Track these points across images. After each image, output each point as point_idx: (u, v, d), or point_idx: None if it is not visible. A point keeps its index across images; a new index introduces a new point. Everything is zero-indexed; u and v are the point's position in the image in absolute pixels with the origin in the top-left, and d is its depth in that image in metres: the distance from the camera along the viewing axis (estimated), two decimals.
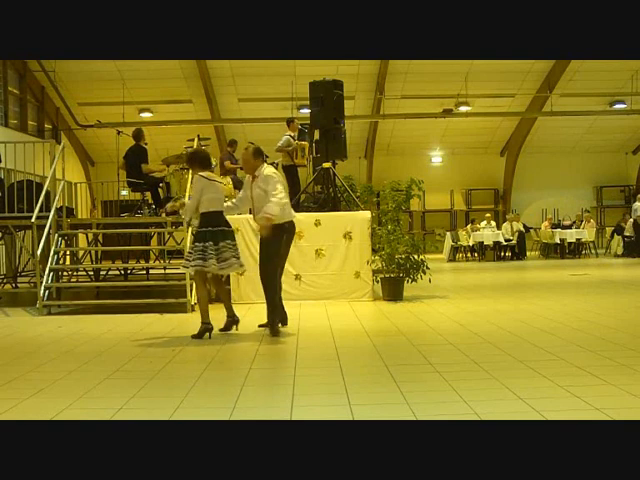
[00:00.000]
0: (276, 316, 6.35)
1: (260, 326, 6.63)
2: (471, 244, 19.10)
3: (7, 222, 9.45)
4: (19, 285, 10.87)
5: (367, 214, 9.15)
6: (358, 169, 21.13)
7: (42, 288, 8.51)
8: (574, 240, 19.12)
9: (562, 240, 18.95)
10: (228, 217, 6.46)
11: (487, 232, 18.83)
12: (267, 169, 6.36)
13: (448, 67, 18.35)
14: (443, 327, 6.54)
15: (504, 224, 19.60)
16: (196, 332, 6.14)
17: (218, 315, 6.48)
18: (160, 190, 10.56)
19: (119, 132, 12.15)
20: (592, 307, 7.85)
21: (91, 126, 19.65)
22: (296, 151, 11.25)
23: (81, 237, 12.28)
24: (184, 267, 6.35)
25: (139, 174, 10.23)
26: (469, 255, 19.67)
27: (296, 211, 6.50)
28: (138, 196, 11.03)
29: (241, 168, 11.95)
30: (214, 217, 6.15)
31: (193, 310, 7.96)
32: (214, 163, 9.17)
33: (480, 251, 18.87)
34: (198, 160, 6.39)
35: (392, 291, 8.94)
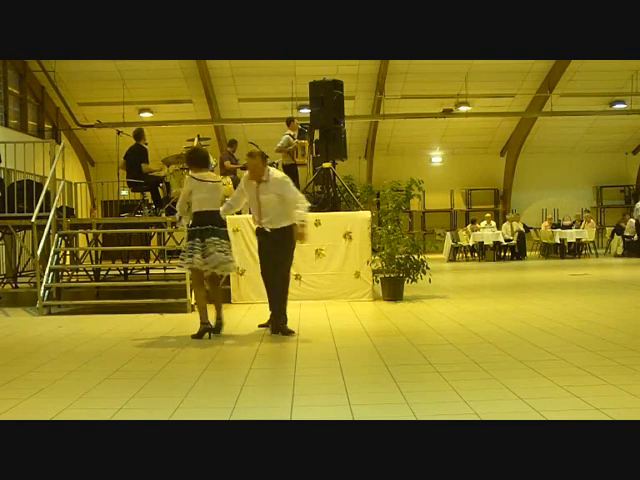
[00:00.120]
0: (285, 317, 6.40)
1: (260, 326, 6.64)
2: (471, 244, 19.10)
3: (7, 222, 9.45)
4: (19, 285, 10.87)
5: (367, 214, 9.15)
6: (358, 169, 21.13)
7: (42, 288, 8.51)
8: (574, 240, 19.12)
9: (562, 240, 18.96)
10: (229, 217, 6.50)
11: (487, 232, 18.83)
12: (275, 172, 6.44)
13: (448, 67, 18.35)
14: (443, 327, 6.54)
15: (504, 224, 19.60)
16: (196, 332, 6.14)
17: (215, 315, 6.48)
18: (160, 190, 10.56)
19: (119, 132, 12.15)
20: (592, 307, 7.85)
21: (91, 126, 19.65)
22: (296, 150, 11.25)
23: (81, 237, 12.28)
24: (179, 266, 6.57)
25: (139, 174, 10.23)
26: (469, 255, 19.67)
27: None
28: (138, 196, 11.04)
29: (241, 168, 12.02)
30: (204, 216, 6.21)
31: (193, 310, 7.96)
32: (214, 163, 9.17)
33: (480, 251, 18.87)
34: (194, 159, 6.46)
35: (392, 291, 8.94)
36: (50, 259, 8.82)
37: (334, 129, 10.16)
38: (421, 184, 9.32)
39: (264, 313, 6.66)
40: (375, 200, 12.74)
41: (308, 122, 10.88)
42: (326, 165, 10.01)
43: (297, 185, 11.33)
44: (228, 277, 8.65)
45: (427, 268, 8.96)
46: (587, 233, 19.21)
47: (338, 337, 6.05)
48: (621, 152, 23.98)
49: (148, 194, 10.66)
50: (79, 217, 12.49)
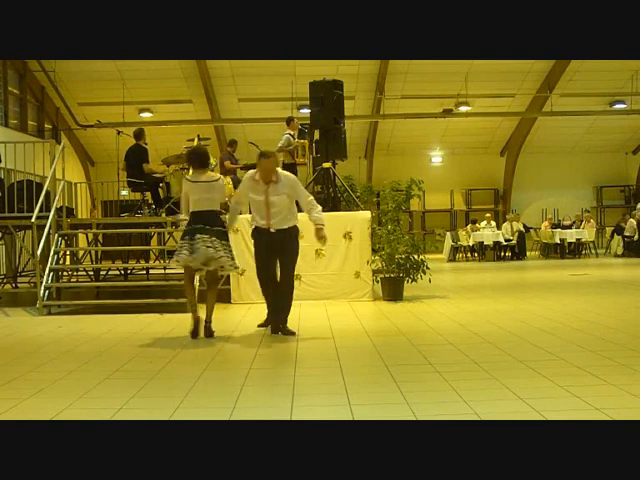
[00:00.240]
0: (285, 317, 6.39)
1: (259, 326, 6.63)
2: (471, 244, 19.10)
3: (7, 222, 9.44)
4: (19, 285, 10.87)
5: (367, 214, 9.15)
6: (358, 169, 21.13)
7: (42, 288, 8.51)
8: (574, 240, 19.12)
9: (562, 240, 18.96)
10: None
11: (487, 232, 18.84)
12: (284, 172, 6.41)
13: (448, 67, 18.35)
14: (443, 327, 6.54)
15: (504, 224, 19.60)
16: (191, 330, 6.21)
17: (218, 316, 6.49)
18: (160, 190, 10.56)
19: (119, 132, 12.16)
20: (592, 307, 7.85)
21: (91, 126, 19.65)
22: (297, 150, 11.25)
23: (81, 237, 12.28)
24: (169, 265, 6.69)
25: (139, 174, 10.23)
26: (469, 255, 19.67)
27: (299, 211, 6.51)
28: (138, 196, 11.04)
29: (241, 168, 12.04)
30: (197, 216, 6.26)
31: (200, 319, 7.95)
32: (214, 163, 9.17)
33: (480, 251, 18.88)
34: (191, 159, 6.55)
35: (392, 291, 8.94)
36: (50, 259, 8.82)
37: (334, 129, 10.16)
38: (421, 184, 9.32)
39: (264, 313, 6.65)
40: (375, 200, 12.73)
41: (308, 122, 10.88)
42: (326, 165, 10.01)
43: None
44: (228, 277, 8.65)
45: (427, 268, 8.96)
46: (587, 233, 19.21)
47: (338, 337, 6.05)
48: (621, 152, 23.98)
49: (148, 194, 10.67)
50: (79, 217, 12.49)
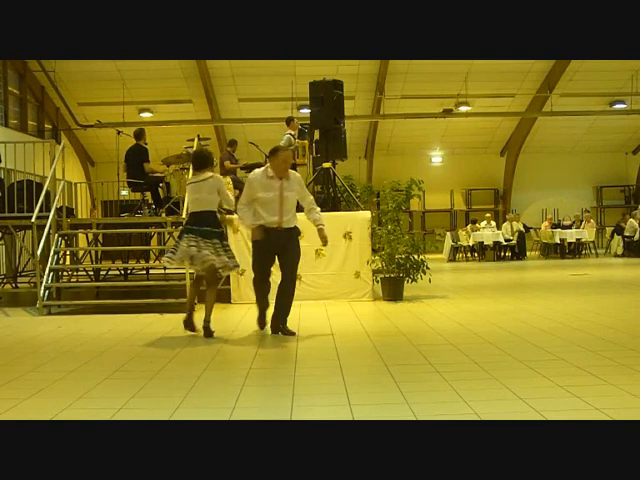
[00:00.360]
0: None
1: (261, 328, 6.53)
2: (471, 244, 19.10)
3: (7, 222, 9.44)
4: (19, 285, 10.87)
5: (367, 214, 9.15)
6: (358, 169, 21.12)
7: (42, 288, 8.50)
8: (574, 240, 19.12)
9: (562, 240, 18.96)
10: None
11: (487, 232, 18.84)
12: (289, 170, 6.41)
13: (448, 67, 18.35)
14: (443, 327, 6.54)
15: (504, 224, 19.60)
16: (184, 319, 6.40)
17: (218, 316, 6.49)
18: (160, 190, 10.56)
19: (119, 132, 12.15)
20: (592, 307, 7.85)
21: (91, 126, 19.65)
22: (297, 150, 11.24)
23: (81, 237, 12.28)
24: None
25: (139, 174, 10.23)
26: (469, 255, 19.67)
27: (297, 211, 6.50)
28: (138, 196, 11.04)
29: (241, 168, 12.04)
30: (191, 216, 6.42)
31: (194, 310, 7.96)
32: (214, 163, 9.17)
33: (480, 251, 18.87)
34: (191, 162, 6.77)
35: (392, 291, 8.94)
36: (50, 259, 8.82)
37: (334, 129, 10.15)
38: (421, 184, 9.32)
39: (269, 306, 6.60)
40: (375, 200, 12.74)
41: (308, 122, 10.88)
42: (326, 165, 10.01)
43: None
44: (228, 277, 8.65)
45: (427, 268, 8.96)
46: (587, 233, 19.21)
47: (338, 337, 6.05)
48: (621, 152, 23.98)
49: (148, 194, 10.67)
50: (79, 217, 12.49)
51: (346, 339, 5.98)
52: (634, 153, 24.12)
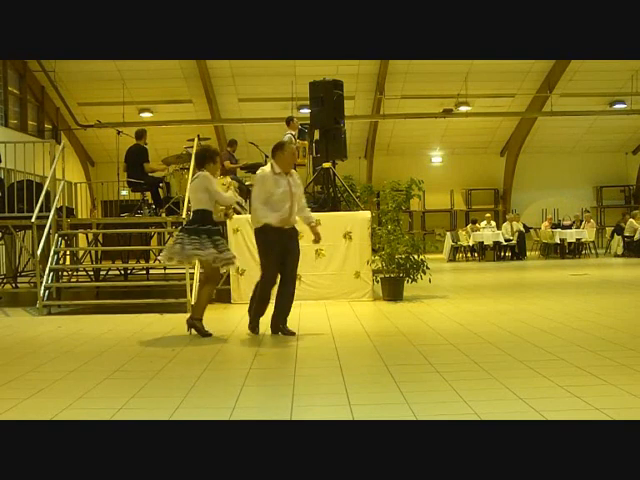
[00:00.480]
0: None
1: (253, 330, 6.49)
2: (471, 244, 19.10)
3: (7, 222, 9.45)
4: (19, 285, 10.87)
5: (367, 214, 9.15)
6: (358, 169, 21.12)
7: (42, 288, 8.50)
8: (574, 240, 19.12)
9: (562, 240, 18.95)
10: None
11: (487, 232, 18.83)
12: None
13: (448, 67, 18.35)
14: (443, 327, 6.54)
15: (504, 224, 19.60)
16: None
17: (218, 316, 6.49)
18: (160, 190, 10.56)
19: (119, 132, 12.15)
20: (592, 307, 7.85)
21: (91, 126, 19.65)
22: (298, 150, 11.24)
23: (81, 237, 12.28)
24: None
25: (139, 174, 10.23)
26: (469, 255, 19.67)
27: None
28: (138, 196, 11.04)
29: (241, 168, 12.05)
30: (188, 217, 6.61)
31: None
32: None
33: (480, 251, 18.87)
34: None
35: (392, 291, 8.94)
36: (50, 259, 8.82)
37: (334, 129, 10.15)
38: (421, 184, 9.32)
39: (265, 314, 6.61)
40: (375, 200, 12.73)
41: (308, 122, 10.88)
42: (326, 165, 10.01)
43: None
44: (228, 277, 8.65)
45: (427, 268, 8.96)
46: (587, 233, 19.21)
47: (338, 337, 6.05)
48: (621, 152, 23.98)
49: (148, 194, 10.67)
50: (79, 217, 12.49)
51: (346, 339, 5.98)
52: (634, 153, 24.12)
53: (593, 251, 19.84)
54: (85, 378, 4.57)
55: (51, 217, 8.95)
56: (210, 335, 6.17)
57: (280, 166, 6.08)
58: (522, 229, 19.30)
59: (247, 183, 11.83)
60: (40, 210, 8.94)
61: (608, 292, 9.84)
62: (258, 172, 6.24)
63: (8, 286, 10.83)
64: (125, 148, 10.65)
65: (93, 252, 12.04)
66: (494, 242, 18.54)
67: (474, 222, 19.72)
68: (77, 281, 11.90)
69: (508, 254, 19.10)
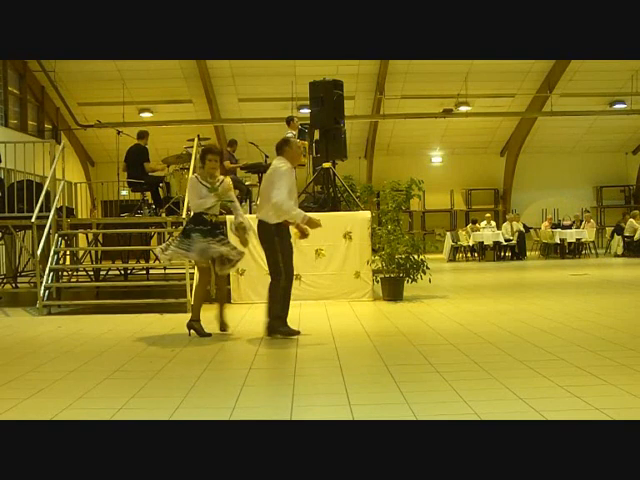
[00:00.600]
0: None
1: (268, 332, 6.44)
2: (471, 244, 19.10)
3: (7, 222, 9.45)
4: (19, 285, 10.87)
5: (367, 214, 9.15)
6: (358, 169, 21.12)
7: (42, 288, 8.51)
8: (574, 240, 19.12)
9: (562, 240, 18.96)
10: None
11: (487, 232, 18.84)
12: None
13: (448, 67, 18.35)
14: (443, 327, 6.54)
15: (504, 224, 19.60)
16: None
17: (215, 315, 6.50)
18: (160, 190, 10.56)
19: (119, 132, 12.15)
20: (592, 307, 7.85)
21: (91, 126, 19.65)
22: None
23: (81, 237, 12.28)
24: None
25: (139, 174, 10.23)
26: (469, 255, 19.67)
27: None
28: (138, 196, 11.04)
29: (241, 168, 12.04)
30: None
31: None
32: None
33: (480, 251, 18.87)
34: None
35: (392, 291, 8.94)
36: (50, 259, 8.82)
37: (334, 129, 10.16)
38: (421, 184, 9.32)
39: (264, 314, 6.60)
40: (375, 200, 12.73)
41: (308, 122, 10.88)
42: (326, 165, 10.01)
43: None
44: (228, 277, 8.64)
45: (427, 268, 8.96)
46: (587, 233, 19.21)
47: (338, 337, 6.05)
48: (621, 152, 23.98)
49: (148, 194, 10.67)
50: (79, 217, 12.49)
51: (346, 339, 5.98)
52: (634, 153, 24.12)
53: (593, 251, 19.84)
54: (85, 378, 4.57)
55: (51, 217, 8.95)
56: (210, 335, 6.19)
57: (290, 161, 6.08)
58: (522, 229, 19.30)
59: (247, 183, 11.85)
60: (40, 210, 8.94)
61: (608, 292, 9.84)
62: (280, 166, 6.00)
63: (8, 286, 10.83)
64: (125, 148, 10.66)
65: (93, 252, 12.04)
66: (494, 242, 18.55)
67: (474, 222, 19.72)
68: (77, 281, 11.90)
69: (508, 254, 19.10)
